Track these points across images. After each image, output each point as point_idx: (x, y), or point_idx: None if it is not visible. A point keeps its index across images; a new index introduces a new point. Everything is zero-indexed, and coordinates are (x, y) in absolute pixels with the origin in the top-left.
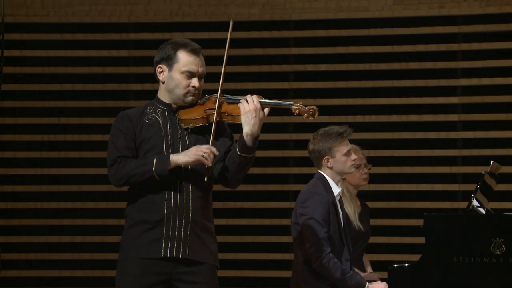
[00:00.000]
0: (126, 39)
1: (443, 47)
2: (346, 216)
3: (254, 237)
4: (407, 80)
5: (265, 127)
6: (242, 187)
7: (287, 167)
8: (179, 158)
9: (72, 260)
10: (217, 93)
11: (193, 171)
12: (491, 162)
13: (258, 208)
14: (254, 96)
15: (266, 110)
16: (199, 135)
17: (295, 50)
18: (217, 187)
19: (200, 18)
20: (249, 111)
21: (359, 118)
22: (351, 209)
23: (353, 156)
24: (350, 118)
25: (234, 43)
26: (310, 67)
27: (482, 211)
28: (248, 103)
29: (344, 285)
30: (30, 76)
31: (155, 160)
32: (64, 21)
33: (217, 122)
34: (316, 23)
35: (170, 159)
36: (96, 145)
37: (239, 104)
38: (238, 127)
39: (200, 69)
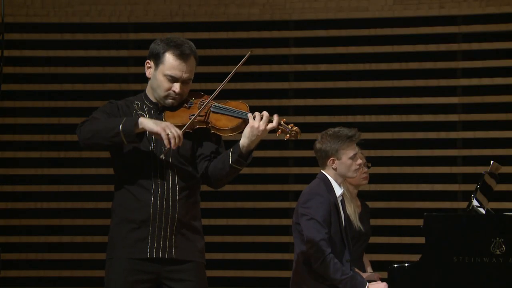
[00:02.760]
0: (126, 39)
1: (443, 47)
2: (347, 216)
3: (254, 237)
4: (407, 80)
5: None
6: (242, 187)
7: (287, 167)
8: (148, 122)
9: (72, 260)
10: (206, 97)
11: (179, 171)
12: (491, 162)
13: (258, 208)
14: (265, 115)
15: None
16: (184, 138)
17: (295, 50)
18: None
19: (200, 18)
20: (256, 128)
21: (359, 118)
22: (352, 209)
23: (359, 161)
24: (350, 118)
25: (234, 43)
26: (310, 67)
27: (482, 211)
28: (258, 120)
29: (344, 286)
30: (30, 76)
31: (124, 119)
32: (64, 21)
33: (197, 128)
34: (316, 23)
35: (139, 120)
36: None
37: (249, 116)
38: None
39: (185, 75)
